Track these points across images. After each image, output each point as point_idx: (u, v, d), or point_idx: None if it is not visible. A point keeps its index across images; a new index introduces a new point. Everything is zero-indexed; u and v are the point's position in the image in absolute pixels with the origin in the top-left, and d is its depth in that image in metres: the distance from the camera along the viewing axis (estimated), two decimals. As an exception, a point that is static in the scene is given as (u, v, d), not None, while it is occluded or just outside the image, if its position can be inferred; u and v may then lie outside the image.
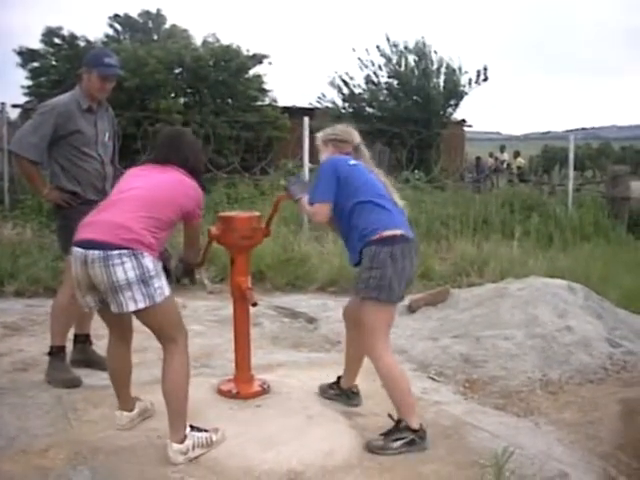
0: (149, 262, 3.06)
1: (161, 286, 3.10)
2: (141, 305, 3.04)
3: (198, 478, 3.04)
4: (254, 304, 3.81)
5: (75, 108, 4.21)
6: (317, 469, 3.15)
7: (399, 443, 3.36)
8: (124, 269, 3.00)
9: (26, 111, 17.53)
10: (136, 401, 3.60)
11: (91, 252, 3.03)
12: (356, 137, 3.78)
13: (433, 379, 4.58)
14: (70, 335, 4.47)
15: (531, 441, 3.57)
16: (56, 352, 4.27)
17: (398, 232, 3.40)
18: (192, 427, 3.24)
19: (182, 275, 3.70)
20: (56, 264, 6.94)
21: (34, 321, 5.71)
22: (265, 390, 3.98)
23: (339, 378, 4.01)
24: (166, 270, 3.29)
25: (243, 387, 3.93)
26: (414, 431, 3.38)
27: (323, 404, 3.90)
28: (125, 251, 3.01)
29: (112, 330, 3.45)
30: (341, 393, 3.98)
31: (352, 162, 3.60)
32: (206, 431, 3.28)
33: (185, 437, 3.18)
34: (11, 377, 4.35)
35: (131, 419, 3.54)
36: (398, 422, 3.41)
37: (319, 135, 3.87)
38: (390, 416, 3.47)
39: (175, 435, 3.18)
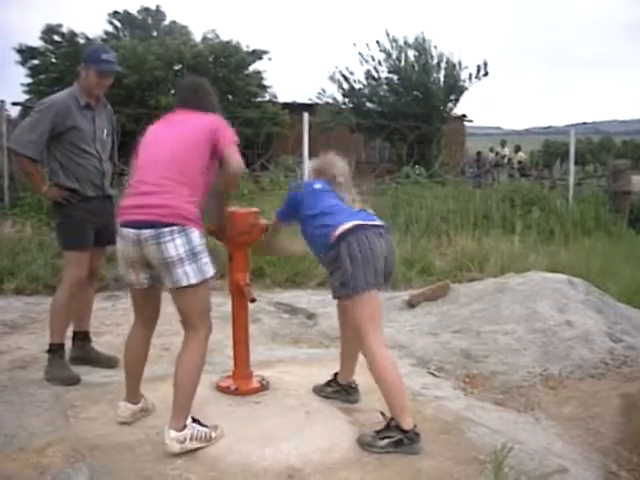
0: (197, 237, 3.19)
1: (208, 262, 3.23)
2: (193, 280, 3.16)
3: (196, 474, 3.03)
4: (252, 300, 3.80)
5: (73, 105, 4.19)
6: (316, 465, 3.14)
7: (386, 442, 3.31)
8: (175, 245, 3.12)
9: (26, 109, 17.54)
10: (142, 397, 3.60)
11: (143, 231, 3.14)
12: (336, 169, 3.81)
13: (433, 374, 4.56)
14: (69, 332, 4.46)
15: (531, 436, 3.56)
16: (55, 350, 4.25)
17: (349, 225, 3.40)
18: (194, 419, 3.24)
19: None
20: (55, 261, 6.92)
21: (33, 319, 5.70)
22: (264, 386, 3.97)
23: (336, 375, 3.99)
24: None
25: (242, 383, 3.92)
26: (404, 432, 3.31)
27: (322, 400, 3.89)
28: (175, 227, 3.13)
29: (140, 314, 3.49)
30: (340, 389, 3.95)
31: (317, 186, 3.72)
32: (206, 427, 3.28)
33: (185, 426, 3.19)
34: (10, 375, 4.33)
35: (133, 412, 3.54)
36: (390, 421, 3.37)
37: (311, 163, 4.12)
38: (382, 414, 3.44)
39: (175, 423, 3.18)
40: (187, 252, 3.14)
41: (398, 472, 3.12)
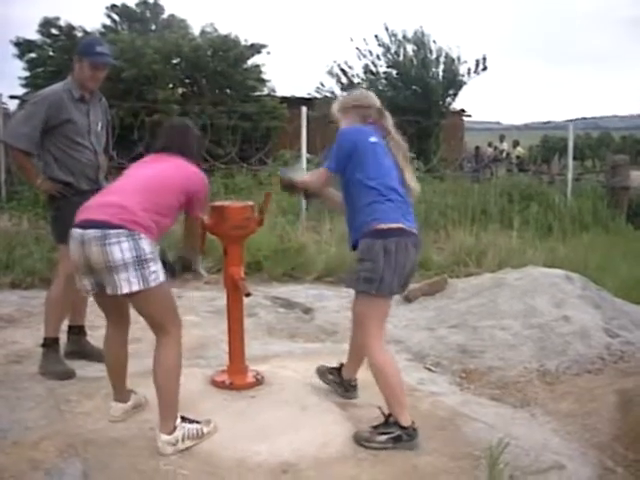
0: (146, 244, 3.05)
1: (156, 271, 3.09)
2: (135, 287, 3.02)
3: (190, 470, 3.02)
4: (247, 294, 3.78)
5: (67, 98, 4.17)
6: (311, 461, 3.13)
7: (384, 437, 3.29)
8: (121, 249, 2.99)
9: (24, 102, 17.50)
10: (131, 394, 3.58)
11: (88, 231, 3.04)
12: (377, 100, 3.65)
13: (429, 369, 4.55)
14: (64, 327, 4.44)
15: (527, 432, 3.55)
16: (50, 344, 4.23)
17: (395, 225, 3.29)
18: (183, 418, 3.21)
19: (181, 270, 3.68)
20: (52, 255, 6.89)
21: (29, 313, 5.67)
22: (259, 381, 3.95)
23: (341, 365, 3.92)
24: (164, 263, 3.25)
25: (237, 378, 3.90)
26: (402, 428, 3.29)
27: (318, 395, 3.87)
28: (123, 231, 3.01)
29: (109, 317, 3.44)
30: (340, 382, 3.90)
31: (373, 139, 3.43)
32: (197, 422, 3.26)
33: (175, 428, 3.15)
34: (4, 369, 4.31)
35: (125, 411, 3.51)
36: (388, 417, 3.36)
37: (337, 103, 3.71)
38: (380, 409, 3.42)
39: (164, 426, 3.15)
40: (133, 258, 3.00)
41: (394, 468, 3.11)
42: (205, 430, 3.25)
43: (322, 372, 3.98)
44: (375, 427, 3.36)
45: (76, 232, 3.10)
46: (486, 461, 2.73)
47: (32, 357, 4.46)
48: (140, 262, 3.02)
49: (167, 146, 3.44)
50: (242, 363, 3.97)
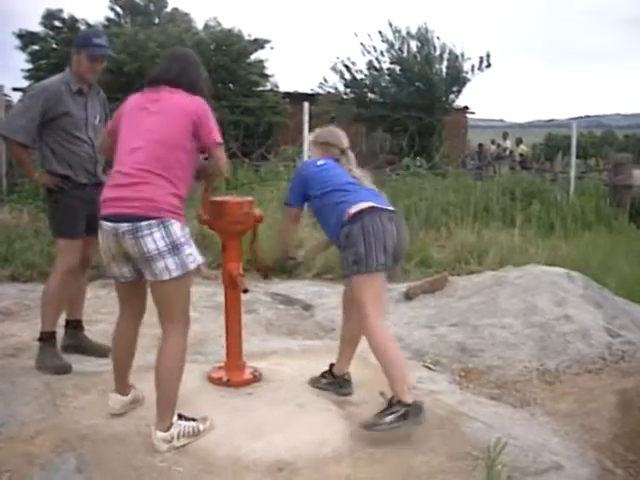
0: (177, 229, 3.07)
1: (192, 253, 3.12)
2: (175, 274, 3.06)
3: (185, 467, 2.99)
4: (245, 290, 3.75)
5: (65, 90, 4.14)
6: (307, 459, 3.10)
7: (392, 417, 3.32)
8: (154, 239, 3.02)
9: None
10: (132, 388, 3.55)
11: (121, 225, 3.04)
12: (344, 141, 3.90)
13: (429, 368, 4.52)
14: (61, 321, 4.42)
15: (526, 432, 3.52)
16: (47, 338, 4.21)
17: (365, 205, 3.48)
18: (180, 416, 3.19)
19: None
20: (51, 249, 6.87)
21: (27, 306, 5.65)
22: (256, 378, 3.92)
23: (331, 366, 3.96)
24: None
25: (234, 375, 3.88)
26: (407, 405, 3.34)
27: (315, 393, 3.84)
28: (153, 221, 3.02)
29: (125, 308, 3.42)
30: (333, 381, 3.92)
31: (320, 162, 3.77)
32: (194, 420, 3.23)
33: (171, 425, 3.13)
34: (1, 363, 4.30)
35: (124, 404, 3.49)
36: (391, 399, 3.41)
37: (312, 135, 4.07)
38: (383, 395, 3.49)
39: (161, 422, 3.13)
40: (167, 245, 3.03)
41: (390, 467, 3.08)
42: (201, 428, 3.22)
43: (315, 381, 3.99)
44: (379, 413, 3.38)
45: (108, 225, 3.10)
46: (484, 461, 2.70)
47: (29, 351, 4.44)
48: (175, 247, 3.05)
49: (165, 77, 3.30)
50: (239, 359, 3.94)
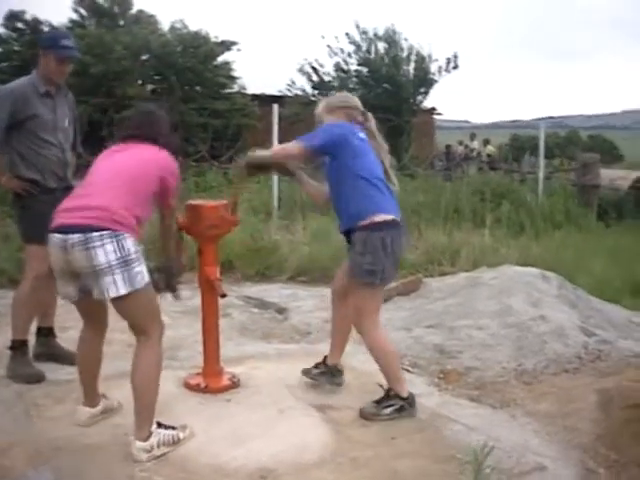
0: (130, 244, 2.98)
1: (141, 271, 3.02)
2: (122, 291, 2.95)
3: (166, 477, 2.93)
4: (223, 295, 3.70)
5: (32, 92, 4.04)
6: (289, 465, 3.05)
7: (390, 410, 3.54)
8: (105, 251, 2.91)
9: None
10: (101, 398, 3.47)
11: (70, 236, 2.94)
12: (359, 103, 3.83)
13: (407, 370, 4.48)
14: (33, 328, 4.32)
15: (508, 433, 3.50)
16: (18, 346, 4.11)
17: (389, 217, 3.49)
18: (159, 424, 3.12)
19: (165, 287, 3.49)
20: (20, 255, 6.72)
21: (-4, 313, 5.51)
22: (235, 384, 3.87)
23: (325, 357, 4.00)
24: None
25: (212, 381, 3.82)
26: (403, 399, 3.57)
27: (294, 398, 3.79)
28: (106, 232, 2.93)
29: (86, 321, 3.35)
30: (326, 370, 3.94)
31: (362, 135, 3.62)
32: (173, 428, 3.17)
33: (150, 434, 3.06)
34: (-30, 372, 4.17)
35: (92, 415, 3.41)
36: (388, 391, 3.60)
37: (323, 104, 3.82)
38: (380, 385, 3.65)
39: (140, 432, 3.06)
40: (118, 259, 2.92)
41: (374, 472, 3.04)
42: (181, 436, 3.16)
43: (307, 371, 3.99)
44: (378, 401, 3.58)
45: (56, 237, 3.00)
46: (471, 465, 2.68)
47: (-1, 359, 4.33)
48: (125, 263, 2.95)
49: (135, 133, 3.32)
50: (217, 365, 3.88)
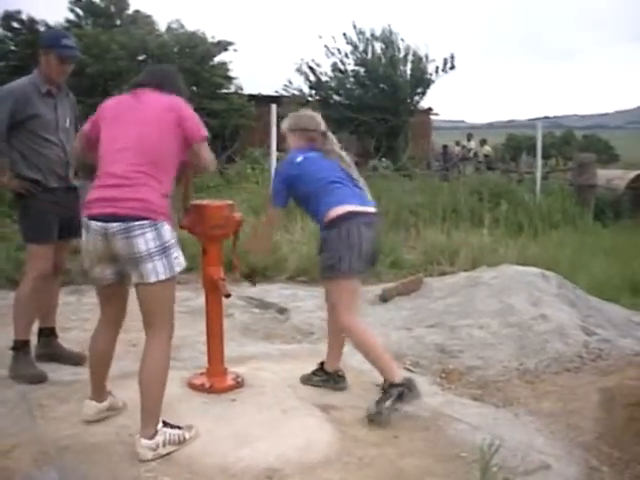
0: (167, 231, 3.06)
1: (178, 256, 3.10)
2: (162, 277, 3.03)
3: (172, 477, 2.92)
4: (227, 295, 3.70)
5: (33, 92, 4.04)
6: (295, 465, 3.05)
7: (389, 402, 3.51)
8: (145, 240, 2.99)
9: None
10: (108, 395, 3.47)
11: (111, 224, 2.99)
12: (321, 124, 3.91)
13: (409, 370, 4.49)
14: (35, 329, 4.31)
15: (511, 432, 3.51)
16: (20, 347, 4.10)
17: (345, 209, 3.56)
18: (165, 423, 3.12)
19: None
20: (19, 255, 6.72)
21: (-4, 314, 5.50)
22: (239, 384, 3.87)
23: (322, 364, 4.02)
24: None
25: (216, 381, 3.82)
26: (399, 385, 3.54)
27: (298, 397, 3.80)
28: (146, 222, 2.99)
29: (105, 312, 3.35)
30: (328, 378, 3.97)
31: (299, 159, 3.75)
32: (180, 428, 3.17)
33: (156, 433, 3.06)
34: (-28, 373, 4.17)
35: (99, 410, 3.41)
36: (383, 386, 3.60)
37: (285, 123, 4.00)
38: (377, 385, 3.71)
39: (146, 430, 3.06)
40: (157, 247, 3.01)
41: (379, 471, 3.04)
42: (187, 436, 3.16)
43: (306, 379, 4.02)
44: (378, 400, 3.55)
45: (96, 225, 3.04)
46: (478, 464, 2.69)
47: (1, 360, 4.32)
48: (165, 250, 3.03)
49: (146, 81, 3.31)
50: (221, 365, 3.88)
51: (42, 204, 4.07)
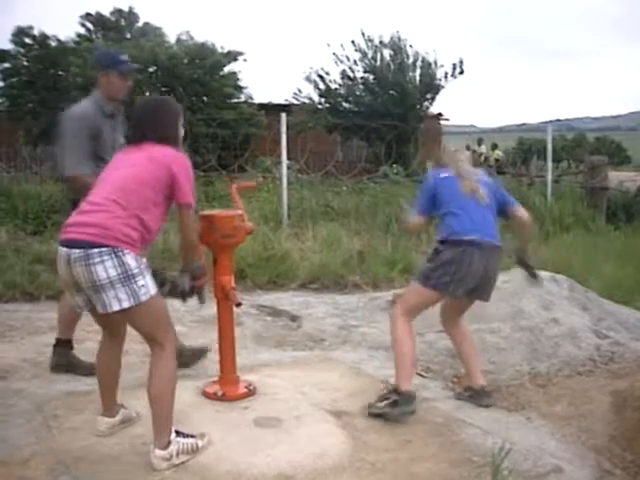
0: (131, 259, 2.98)
1: (145, 284, 3.02)
2: (125, 304, 2.96)
3: (186, 485, 2.96)
4: (238, 304, 3.73)
5: (98, 113, 4.12)
6: (307, 471, 3.08)
7: (383, 403, 3.66)
8: (105, 267, 2.92)
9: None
10: (120, 408, 3.50)
11: (73, 251, 2.97)
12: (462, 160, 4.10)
13: (421, 375, 4.51)
14: (51, 340, 4.37)
15: (523, 436, 3.53)
16: (62, 344, 4.34)
17: (462, 237, 3.76)
18: (178, 433, 3.15)
19: (190, 290, 3.38)
20: (33, 268, 6.80)
21: (11, 327, 5.55)
22: (251, 391, 3.89)
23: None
24: (162, 283, 3.20)
25: (229, 389, 3.85)
26: (400, 393, 3.64)
27: (310, 404, 3.82)
28: (105, 249, 2.93)
29: (105, 331, 3.38)
30: (473, 394, 4.02)
31: (442, 176, 3.95)
32: (192, 437, 3.19)
33: (169, 443, 3.09)
34: (-12, 385, 4.22)
35: (111, 425, 3.44)
36: (390, 387, 3.80)
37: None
38: (383, 383, 3.94)
39: (159, 441, 3.09)
40: (119, 275, 2.94)
41: (392, 476, 3.07)
42: (200, 444, 3.18)
43: (487, 395, 4.05)
44: (378, 397, 3.75)
45: (62, 251, 3.04)
46: (489, 467, 2.70)
47: (17, 372, 4.38)
48: (127, 278, 2.96)
49: (135, 135, 3.30)
50: (234, 373, 3.91)
51: None
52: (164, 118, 3.35)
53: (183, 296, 3.35)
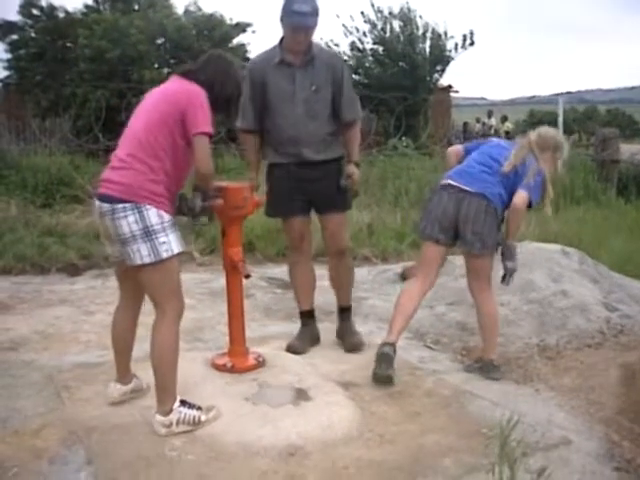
0: (153, 215, 3.04)
1: (167, 242, 3.06)
2: (147, 260, 3.04)
3: (195, 455, 2.98)
4: (247, 276, 3.73)
5: (265, 62, 4.09)
6: (317, 442, 3.09)
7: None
8: (128, 222, 3.02)
9: (6, 85, 17.21)
10: (133, 377, 3.53)
11: (103, 205, 3.09)
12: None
13: (430, 347, 4.53)
14: (61, 312, 4.38)
15: (532, 408, 3.53)
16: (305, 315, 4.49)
17: (440, 182, 3.98)
18: (183, 402, 3.17)
19: (200, 211, 3.33)
20: (42, 240, 6.83)
21: (22, 299, 5.60)
22: (260, 363, 3.91)
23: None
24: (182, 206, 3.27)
25: (238, 361, 3.86)
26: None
27: (320, 376, 3.83)
28: (128, 204, 3.02)
29: (123, 291, 3.41)
30: (483, 365, 4.04)
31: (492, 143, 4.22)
32: (199, 409, 3.21)
33: (171, 411, 3.13)
34: (0, 357, 4.25)
35: (123, 392, 3.47)
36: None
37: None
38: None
39: (160, 406, 3.14)
40: (140, 230, 3.02)
41: (401, 448, 3.08)
42: (203, 418, 3.19)
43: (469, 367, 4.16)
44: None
45: (96, 204, 3.17)
46: (497, 439, 2.71)
47: (27, 344, 4.43)
48: (148, 234, 3.03)
49: (182, 69, 3.37)
50: (243, 345, 3.92)
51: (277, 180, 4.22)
52: (214, 65, 3.35)
53: (193, 214, 3.34)
